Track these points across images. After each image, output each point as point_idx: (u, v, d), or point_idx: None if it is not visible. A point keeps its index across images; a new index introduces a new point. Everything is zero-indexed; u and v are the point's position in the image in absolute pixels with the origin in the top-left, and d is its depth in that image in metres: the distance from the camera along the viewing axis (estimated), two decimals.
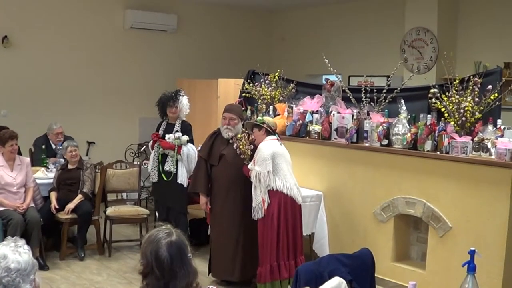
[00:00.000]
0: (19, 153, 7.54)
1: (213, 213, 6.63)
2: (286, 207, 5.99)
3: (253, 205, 6.04)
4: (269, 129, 6.16)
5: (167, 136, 7.47)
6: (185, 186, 7.40)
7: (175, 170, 7.41)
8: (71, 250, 7.58)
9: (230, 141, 6.48)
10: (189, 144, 7.49)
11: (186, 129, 7.59)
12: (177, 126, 7.57)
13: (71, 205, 7.35)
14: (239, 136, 6.42)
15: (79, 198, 7.45)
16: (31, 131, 8.77)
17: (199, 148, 6.93)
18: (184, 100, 7.64)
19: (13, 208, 7.00)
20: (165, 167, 7.45)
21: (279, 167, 5.99)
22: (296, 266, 5.98)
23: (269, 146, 6.04)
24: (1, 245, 2.59)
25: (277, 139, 6.19)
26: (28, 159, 7.56)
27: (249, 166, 6.14)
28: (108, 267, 7.24)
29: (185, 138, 7.43)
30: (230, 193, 6.41)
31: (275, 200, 5.95)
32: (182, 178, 7.43)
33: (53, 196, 7.48)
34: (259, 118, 6.39)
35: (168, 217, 7.39)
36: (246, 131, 6.48)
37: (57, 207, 7.35)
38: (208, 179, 6.61)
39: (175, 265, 2.69)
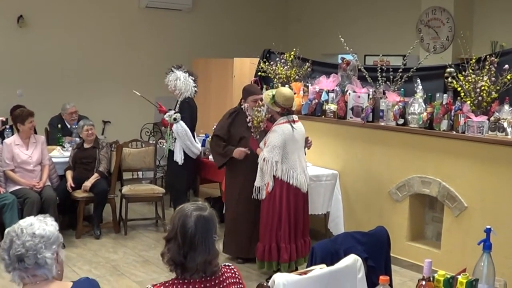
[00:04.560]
0: (34, 131, 7.59)
1: (231, 194, 6.64)
2: (288, 195, 5.98)
3: (257, 184, 6.05)
4: (284, 110, 5.96)
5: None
6: (179, 164, 7.62)
7: (172, 147, 7.68)
8: (87, 228, 7.64)
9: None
10: (180, 122, 7.57)
11: (183, 106, 7.71)
12: (178, 104, 7.76)
13: (87, 183, 7.41)
14: (259, 109, 6.17)
15: (95, 176, 7.50)
16: (46, 111, 8.82)
17: (214, 127, 6.84)
18: (171, 77, 7.74)
19: (29, 186, 7.08)
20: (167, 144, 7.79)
21: (288, 156, 5.92)
22: (297, 250, 6.06)
23: (281, 131, 5.89)
24: (29, 217, 2.71)
25: (290, 121, 5.97)
26: (43, 137, 7.63)
27: (260, 145, 6.07)
28: (124, 245, 7.30)
29: (175, 115, 7.55)
30: (248, 175, 6.28)
31: (277, 187, 5.95)
32: (177, 155, 7.62)
33: (69, 174, 7.55)
34: (270, 93, 6.01)
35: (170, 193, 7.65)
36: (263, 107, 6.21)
37: (73, 185, 7.41)
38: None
39: (198, 239, 2.70)
